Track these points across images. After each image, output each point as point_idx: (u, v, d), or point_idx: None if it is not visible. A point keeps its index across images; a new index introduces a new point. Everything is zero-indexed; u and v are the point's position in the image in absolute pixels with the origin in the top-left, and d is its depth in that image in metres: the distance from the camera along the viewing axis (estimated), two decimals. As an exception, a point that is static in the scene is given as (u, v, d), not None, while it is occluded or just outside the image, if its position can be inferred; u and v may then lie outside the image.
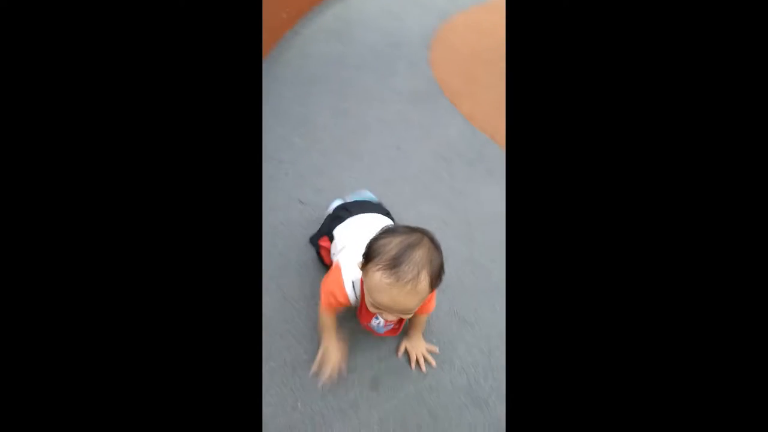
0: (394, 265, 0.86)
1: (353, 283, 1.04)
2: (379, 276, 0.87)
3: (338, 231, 1.20)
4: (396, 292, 0.86)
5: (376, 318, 1.05)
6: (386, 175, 1.74)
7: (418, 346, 1.19)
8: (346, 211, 1.25)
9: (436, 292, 1.03)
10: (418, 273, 0.86)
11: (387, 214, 1.31)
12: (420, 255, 0.87)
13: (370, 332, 1.13)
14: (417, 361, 1.17)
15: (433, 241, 0.92)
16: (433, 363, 1.17)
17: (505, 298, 1.36)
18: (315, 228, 1.51)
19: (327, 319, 1.11)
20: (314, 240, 1.35)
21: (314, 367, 1.11)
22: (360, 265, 0.94)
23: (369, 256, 0.91)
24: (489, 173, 1.80)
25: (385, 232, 0.93)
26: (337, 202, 1.41)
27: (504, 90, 2.32)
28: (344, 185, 1.67)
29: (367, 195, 1.46)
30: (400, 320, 1.08)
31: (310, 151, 1.79)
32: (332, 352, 1.11)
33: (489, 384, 1.18)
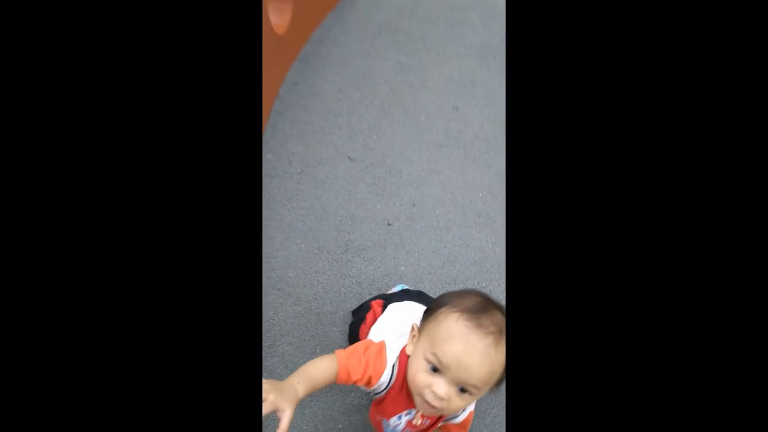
0: (475, 312, 0.74)
1: (394, 365, 0.84)
2: (455, 319, 0.74)
3: (393, 306, 1.01)
4: (474, 340, 0.71)
5: (398, 417, 0.87)
6: (438, 139, 1.69)
7: None
8: (404, 293, 1.10)
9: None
10: (501, 332, 0.73)
11: None
12: (500, 319, 0.75)
13: None
14: None
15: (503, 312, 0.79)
16: None
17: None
18: (357, 178, 1.54)
19: (326, 371, 0.79)
20: (364, 308, 1.12)
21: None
22: (415, 326, 0.81)
23: (436, 305, 0.79)
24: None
25: (453, 291, 0.82)
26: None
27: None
28: (394, 145, 1.66)
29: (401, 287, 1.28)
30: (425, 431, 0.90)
31: (366, 106, 1.78)
32: (289, 395, 0.71)
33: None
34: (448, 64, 1.98)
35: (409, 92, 1.85)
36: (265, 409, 0.65)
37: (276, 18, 1.67)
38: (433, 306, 0.80)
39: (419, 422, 0.86)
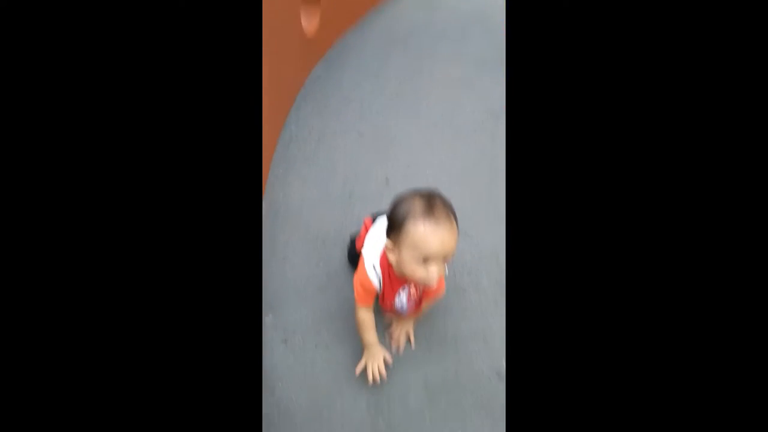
0: (429, 213, 0.97)
1: (374, 266, 1.13)
2: (422, 227, 0.97)
3: (380, 219, 1.24)
4: (442, 233, 0.96)
5: (399, 295, 1.15)
6: (434, 120, 2.01)
7: (404, 325, 1.30)
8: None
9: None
10: (449, 214, 0.99)
11: None
12: (440, 203, 1.01)
13: (396, 317, 1.24)
14: (396, 340, 1.29)
15: (442, 195, 1.04)
16: (412, 343, 1.31)
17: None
18: (364, 146, 1.84)
19: (365, 317, 1.17)
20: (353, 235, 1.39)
21: (359, 367, 1.21)
22: (387, 242, 1.04)
23: (397, 221, 1.01)
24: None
25: (398, 201, 1.04)
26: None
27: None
28: (397, 124, 1.98)
29: None
30: (419, 300, 1.18)
31: (376, 96, 2.13)
32: (376, 349, 1.20)
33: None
34: (449, 70, 2.33)
35: (414, 88, 2.19)
36: (381, 367, 1.20)
37: (306, 22, 2.07)
38: (393, 221, 1.03)
39: (414, 292, 1.16)
